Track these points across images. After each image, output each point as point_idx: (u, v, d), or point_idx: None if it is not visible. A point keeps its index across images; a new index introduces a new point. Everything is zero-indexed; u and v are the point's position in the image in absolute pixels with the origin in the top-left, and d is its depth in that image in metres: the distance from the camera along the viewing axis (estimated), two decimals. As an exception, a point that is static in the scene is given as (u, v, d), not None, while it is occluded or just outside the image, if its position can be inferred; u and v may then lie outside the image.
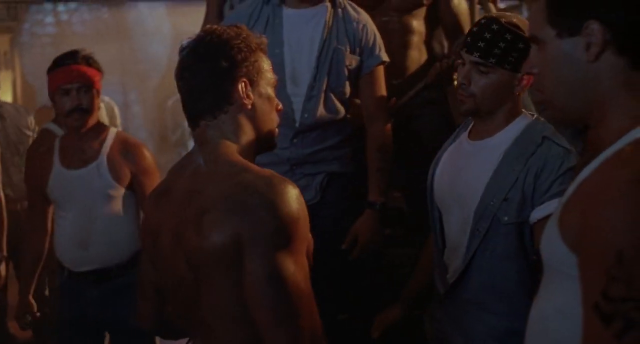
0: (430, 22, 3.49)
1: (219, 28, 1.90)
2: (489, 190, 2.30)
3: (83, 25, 11.67)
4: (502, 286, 2.33)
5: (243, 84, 1.85)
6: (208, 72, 1.84)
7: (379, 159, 3.11)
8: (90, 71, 3.26)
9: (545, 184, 2.24)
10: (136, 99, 10.81)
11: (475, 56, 2.32)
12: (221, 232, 1.68)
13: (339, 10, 3.10)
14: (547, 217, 2.04)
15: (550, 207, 2.19)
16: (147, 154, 3.35)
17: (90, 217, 3.24)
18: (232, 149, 1.84)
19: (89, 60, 3.29)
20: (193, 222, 1.74)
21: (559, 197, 1.97)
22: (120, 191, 3.28)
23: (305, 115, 3.04)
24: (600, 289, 1.23)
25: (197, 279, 1.77)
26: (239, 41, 1.86)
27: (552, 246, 1.39)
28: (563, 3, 1.42)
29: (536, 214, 2.24)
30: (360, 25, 3.11)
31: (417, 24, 3.47)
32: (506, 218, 2.28)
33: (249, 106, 1.86)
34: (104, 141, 3.32)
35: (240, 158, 1.82)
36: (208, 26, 1.93)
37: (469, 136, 2.45)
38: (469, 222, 2.33)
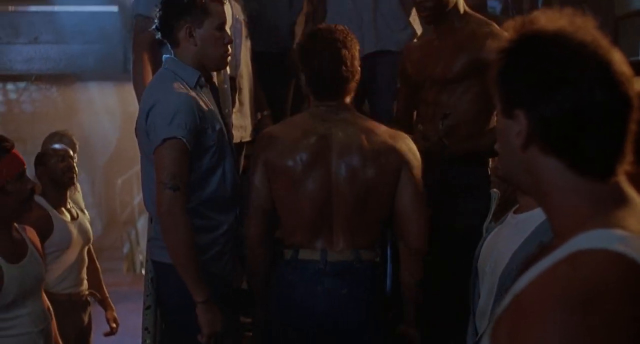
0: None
1: None
2: (515, 257, 2.38)
3: (32, 105, 11.66)
4: None
5: None
6: None
7: None
8: None
9: None
10: (85, 179, 10.74)
11: None
12: None
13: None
14: None
15: None
16: None
17: (42, 306, 3.06)
18: None
19: None
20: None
21: None
22: None
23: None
24: None
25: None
26: None
27: None
28: (501, 83, 1.30)
29: None
30: None
31: (446, 97, 3.38)
32: None
33: None
34: (16, 226, 3.03)
35: None
36: None
37: (514, 211, 2.56)
38: (495, 288, 2.43)
